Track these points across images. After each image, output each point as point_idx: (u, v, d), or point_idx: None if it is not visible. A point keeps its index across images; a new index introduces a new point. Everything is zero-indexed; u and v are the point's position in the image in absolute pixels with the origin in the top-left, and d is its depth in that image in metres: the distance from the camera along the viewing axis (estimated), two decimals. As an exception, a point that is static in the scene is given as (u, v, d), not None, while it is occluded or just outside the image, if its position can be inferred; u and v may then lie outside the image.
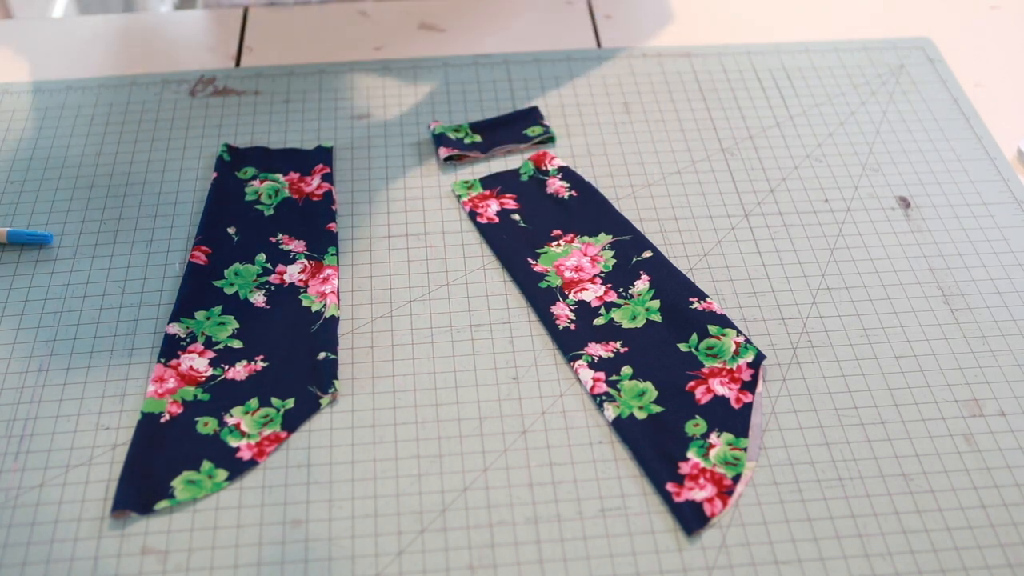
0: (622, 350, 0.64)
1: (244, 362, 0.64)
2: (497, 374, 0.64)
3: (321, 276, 0.69)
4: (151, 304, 0.68)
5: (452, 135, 0.79)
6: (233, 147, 0.78)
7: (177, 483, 0.58)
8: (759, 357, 0.63)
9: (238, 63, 0.88)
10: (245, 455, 0.59)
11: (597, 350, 0.64)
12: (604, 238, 0.71)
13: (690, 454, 0.59)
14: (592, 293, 0.68)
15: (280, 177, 0.76)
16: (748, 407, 0.61)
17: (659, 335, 0.65)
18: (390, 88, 0.85)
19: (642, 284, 0.68)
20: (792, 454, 0.59)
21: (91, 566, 0.55)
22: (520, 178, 0.76)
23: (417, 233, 0.72)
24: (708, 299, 0.67)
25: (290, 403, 0.62)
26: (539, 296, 0.68)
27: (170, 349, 0.64)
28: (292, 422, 0.61)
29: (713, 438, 0.60)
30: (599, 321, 0.66)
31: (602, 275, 0.69)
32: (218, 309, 0.67)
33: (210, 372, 0.63)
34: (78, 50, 0.89)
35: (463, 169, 0.78)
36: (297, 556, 0.55)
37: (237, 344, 0.65)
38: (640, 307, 0.67)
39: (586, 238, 0.72)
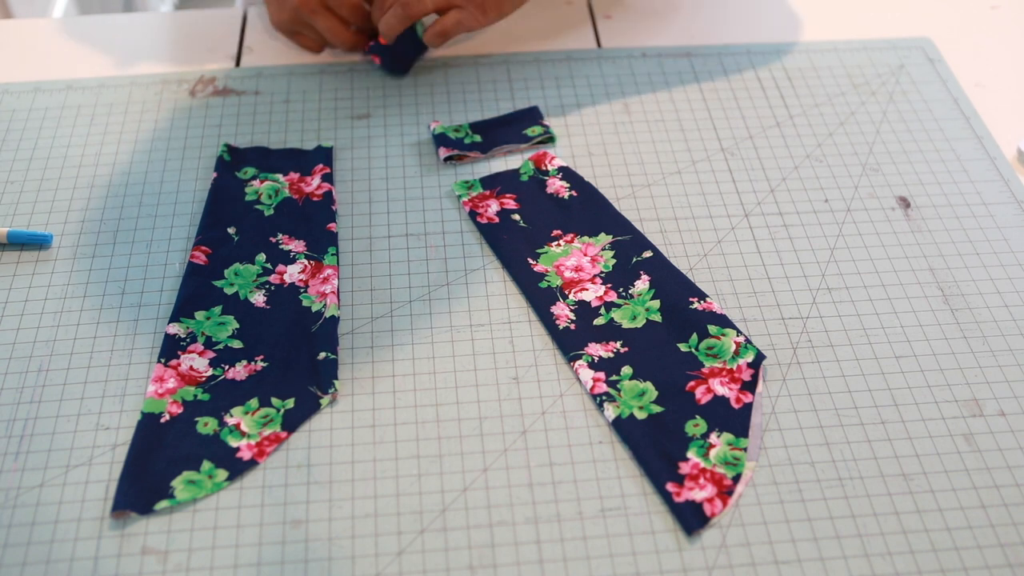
0: (622, 350, 0.64)
1: (244, 362, 0.64)
2: (497, 374, 0.64)
3: (321, 276, 0.69)
4: (151, 304, 0.68)
5: (452, 135, 0.79)
6: (233, 147, 0.78)
7: (177, 483, 0.58)
8: (759, 357, 0.63)
9: (238, 63, 0.88)
10: (245, 455, 0.59)
11: (597, 350, 0.64)
12: (604, 238, 0.71)
13: (690, 454, 0.59)
14: (592, 293, 0.68)
15: (280, 177, 0.76)
16: (748, 407, 0.61)
17: (659, 335, 0.65)
18: (390, 88, 0.85)
19: (642, 284, 0.68)
20: (792, 454, 0.59)
21: (91, 566, 0.55)
22: (520, 178, 0.76)
23: (417, 233, 0.72)
24: (708, 299, 0.67)
25: (290, 403, 0.62)
26: (539, 296, 0.68)
27: (170, 349, 0.64)
28: (292, 422, 0.61)
29: (713, 438, 0.60)
30: (599, 321, 0.66)
31: (602, 275, 0.69)
32: (218, 309, 0.67)
33: (210, 372, 0.63)
34: (78, 50, 0.89)
35: (463, 169, 0.78)
36: (297, 556, 0.55)
37: (237, 344, 0.65)
38: (640, 307, 0.67)
39: (586, 238, 0.72)
